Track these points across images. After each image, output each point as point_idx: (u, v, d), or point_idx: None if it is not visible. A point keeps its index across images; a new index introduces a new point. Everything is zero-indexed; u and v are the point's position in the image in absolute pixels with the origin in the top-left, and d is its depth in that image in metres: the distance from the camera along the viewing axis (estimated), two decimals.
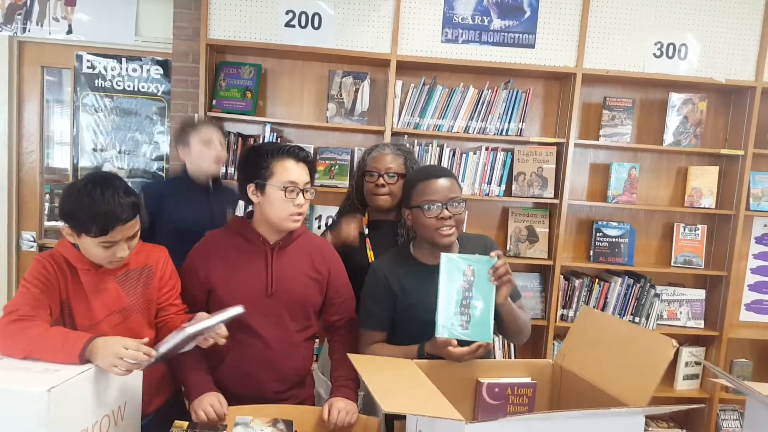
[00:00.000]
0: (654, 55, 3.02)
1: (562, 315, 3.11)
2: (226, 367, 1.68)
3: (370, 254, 2.04)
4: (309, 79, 3.11)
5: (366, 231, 2.11)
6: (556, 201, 3.05)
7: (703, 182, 3.15)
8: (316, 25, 2.91)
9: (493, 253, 1.52)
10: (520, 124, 3.00)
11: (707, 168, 3.16)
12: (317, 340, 1.97)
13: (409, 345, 1.60)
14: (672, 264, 3.21)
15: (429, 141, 3.03)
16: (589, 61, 2.98)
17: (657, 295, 3.12)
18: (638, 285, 3.10)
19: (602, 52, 2.99)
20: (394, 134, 2.94)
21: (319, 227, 3.12)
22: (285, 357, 1.71)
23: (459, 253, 1.61)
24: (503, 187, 3.04)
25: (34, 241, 3.29)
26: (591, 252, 3.17)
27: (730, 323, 3.16)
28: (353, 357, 1.46)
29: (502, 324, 1.64)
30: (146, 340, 1.36)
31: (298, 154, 1.67)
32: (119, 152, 3.27)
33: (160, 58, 3.21)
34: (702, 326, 3.21)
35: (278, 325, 1.69)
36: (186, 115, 2.99)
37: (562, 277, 3.09)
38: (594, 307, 3.09)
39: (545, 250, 3.11)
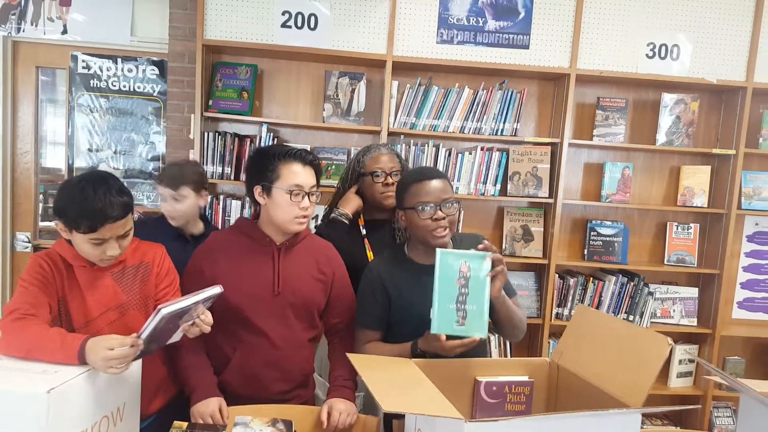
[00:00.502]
0: (647, 55, 3.05)
1: (557, 313, 3.13)
2: (232, 367, 1.69)
3: (370, 254, 2.05)
4: (305, 79, 3.12)
5: (364, 232, 2.13)
6: (550, 200, 3.07)
7: (696, 181, 3.18)
8: (312, 25, 2.92)
9: (481, 246, 1.51)
10: (515, 124, 3.02)
11: (699, 167, 3.19)
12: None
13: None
14: (665, 262, 3.24)
15: (425, 141, 3.05)
16: (582, 61, 3.00)
17: (651, 294, 3.15)
18: (632, 283, 3.12)
19: (596, 53, 3.02)
20: (390, 134, 2.95)
21: (315, 226, 3.11)
22: (291, 357, 1.72)
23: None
24: (498, 186, 3.06)
25: (29, 242, 3.27)
26: (585, 251, 3.19)
27: (722, 321, 3.19)
28: (352, 357, 1.47)
29: (498, 320, 1.66)
30: (134, 335, 1.32)
31: (305, 157, 1.68)
32: (114, 153, 3.26)
33: (155, 59, 3.20)
34: (695, 324, 3.24)
35: (284, 325, 1.71)
36: (176, 160, 2.79)
37: (557, 275, 3.11)
38: (589, 305, 3.11)
39: (540, 249, 3.13)
